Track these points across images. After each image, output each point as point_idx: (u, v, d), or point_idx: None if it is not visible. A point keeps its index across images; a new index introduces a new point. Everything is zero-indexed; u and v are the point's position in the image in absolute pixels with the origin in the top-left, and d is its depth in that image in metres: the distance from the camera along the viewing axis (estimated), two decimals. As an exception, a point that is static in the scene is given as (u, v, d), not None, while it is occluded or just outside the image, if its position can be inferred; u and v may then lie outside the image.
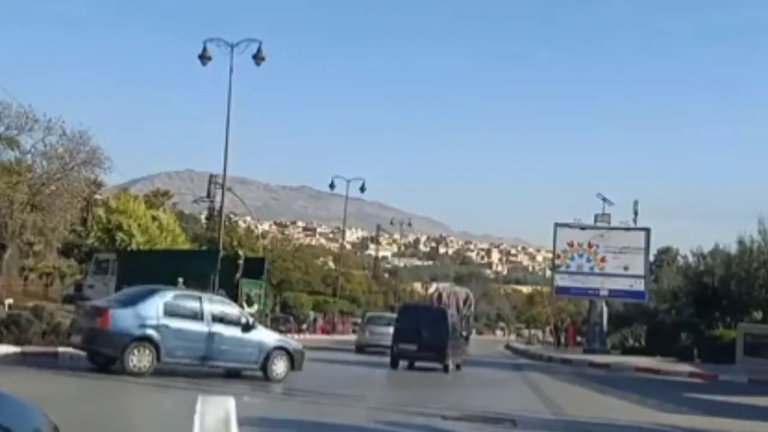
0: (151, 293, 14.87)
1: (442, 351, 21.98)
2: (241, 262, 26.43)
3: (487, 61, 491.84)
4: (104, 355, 14.09)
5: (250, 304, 25.12)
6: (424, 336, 21.84)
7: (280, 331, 45.26)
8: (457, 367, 23.12)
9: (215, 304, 15.62)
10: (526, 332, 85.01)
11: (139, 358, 13.73)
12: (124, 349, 13.58)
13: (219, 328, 14.90)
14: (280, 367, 15.55)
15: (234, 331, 15.17)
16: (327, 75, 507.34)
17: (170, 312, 14.41)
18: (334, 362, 23.51)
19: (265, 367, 15.36)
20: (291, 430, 9.54)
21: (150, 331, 13.92)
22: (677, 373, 25.64)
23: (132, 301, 14.56)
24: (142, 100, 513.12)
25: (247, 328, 15.45)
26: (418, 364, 22.49)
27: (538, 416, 12.19)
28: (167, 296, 14.87)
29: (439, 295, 46.37)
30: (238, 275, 25.84)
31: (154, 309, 14.26)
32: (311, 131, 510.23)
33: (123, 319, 13.85)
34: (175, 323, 14.31)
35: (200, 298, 15.38)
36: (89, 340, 13.98)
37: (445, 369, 22.00)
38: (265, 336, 16.00)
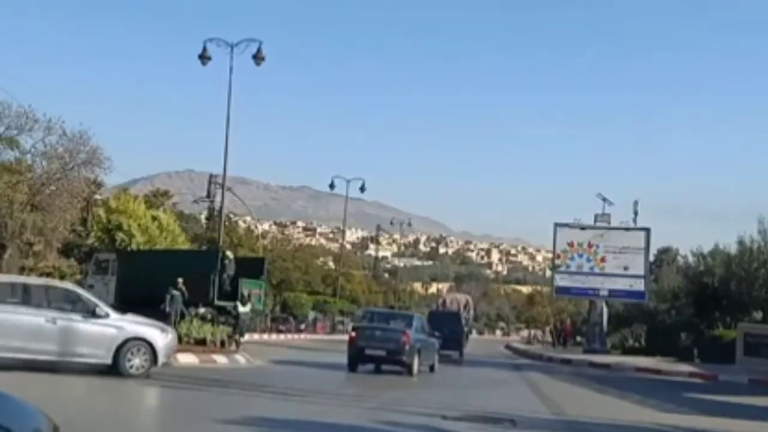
0: (412, 316, 22.99)
1: (458, 343, 31.49)
2: (227, 262, 26.34)
3: (487, 60, 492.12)
4: (403, 363, 19.34)
5: (243, 303, 25.13)
6: (445, 333, 28.16)
7: (279, 331, 45.60)
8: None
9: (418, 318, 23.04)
10: (525, 332, 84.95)
11: (416, 364, 19.64)
12: (413, 357, 19.38)
13: (425, 337, 21.35)
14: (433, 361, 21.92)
15: (429, 338, 21.85)
16: (327, 75, 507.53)
17: (416, 328, 20.67)
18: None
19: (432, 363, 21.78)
20: (291, 430, 9.53)
21: (419, 344, 20.03)
22: (677, 373, 25.64)
23: (408, 323, 20.84)
24: (142, 100, 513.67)
25: (432, 334, 22.61)
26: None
27: (538, 416, 12.18)
28: (417, 317, 23.02)
29: (443, 301, 54.45)
30: (225, 275, 25.83)
31: (417, 327, 20.67)
32: (311, 131, 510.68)
33: (413, 336, 19.65)
34: (421, 336, 20.73)
35: (413, 316, 22.85)
36: (397, 352, 19.23)
37: (461, 354, 31.47)
38: (431, 338, 22.32)
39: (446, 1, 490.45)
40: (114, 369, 13.19)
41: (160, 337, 13.92)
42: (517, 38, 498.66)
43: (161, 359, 13.72)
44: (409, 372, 19.24)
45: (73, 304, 13.42)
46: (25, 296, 13.00)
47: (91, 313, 13.28)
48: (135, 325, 13.83)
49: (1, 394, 2.86)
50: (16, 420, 2.70)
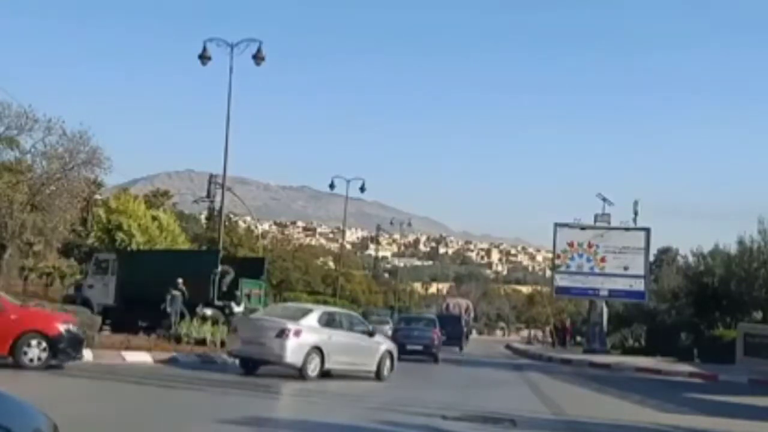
0: (434, 319, 31.10)
1: (459, 339, 39.87)
2: (223, 271, 26.29)
3: (488, 60, 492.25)
4: (433, 354, 26.31)
5: (238, 303, 25.12)
6: (449, 331, 34.53)
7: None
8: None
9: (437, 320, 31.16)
10: (525, 332, 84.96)
11: (440, 355, 27.00)
12: (439, 350, 27.15)
13: (440, 334, 28.90)
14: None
15: (441, 336, 28.97)
16: (327, 75, 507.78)
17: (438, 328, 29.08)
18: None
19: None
20: (291, 430, 9.53)
21: (441, 341, 28.55)
22: (677, 373, 25.63)
23: (434, 324, 28.64)
24: (142, 100, 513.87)
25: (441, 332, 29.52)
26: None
27: (538, 416, 12.18)
28: (437, 320, 31.16)
29: (447, 305, 63.08)
30: (225, 279, 25.82)
31: (438, 327, 28.81)
32: (311, 131, 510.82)
33: (438, 335, 27.93)
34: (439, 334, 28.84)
35: (435, 319, 31.23)
36: (430, 346, 26.46)
37: (460, 348, 38.87)
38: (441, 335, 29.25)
39: (446, 1, 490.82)
40: (377, 374, 17.36)
41: (394, 349, 18.59)
42: (517, 38, 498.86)
43: (395, 366, 18.22)
44: (435, 361, 25.61)
45: (360, 327, 17.90)
46: (342, 322, 17.19)
47: (369, 333, 17.71)
48: (386, 341, 18.78)
49: (1, 394, 2.85)
50: (16, 420, 2.70)
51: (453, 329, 38.07)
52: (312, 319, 16.19)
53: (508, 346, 53.88)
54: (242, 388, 13.19)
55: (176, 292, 23.67)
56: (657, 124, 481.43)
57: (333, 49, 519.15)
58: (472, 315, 65.43)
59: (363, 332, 17.54)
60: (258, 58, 25.88)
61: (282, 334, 15.31)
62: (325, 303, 62.06)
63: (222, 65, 25.56)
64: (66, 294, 33.46)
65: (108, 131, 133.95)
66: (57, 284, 45.15)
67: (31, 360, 13.22)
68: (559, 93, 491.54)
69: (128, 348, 17.61)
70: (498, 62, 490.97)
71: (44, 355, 13.32)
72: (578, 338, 50.25)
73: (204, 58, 25.89)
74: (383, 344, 18.04)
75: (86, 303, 25.25)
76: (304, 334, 15.56)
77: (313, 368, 15.53)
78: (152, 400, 11.73)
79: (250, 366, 16.04)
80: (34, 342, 13.26)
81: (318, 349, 15.66)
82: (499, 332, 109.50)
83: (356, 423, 10.02)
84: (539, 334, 71.26)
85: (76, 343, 13.91)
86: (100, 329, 20.60)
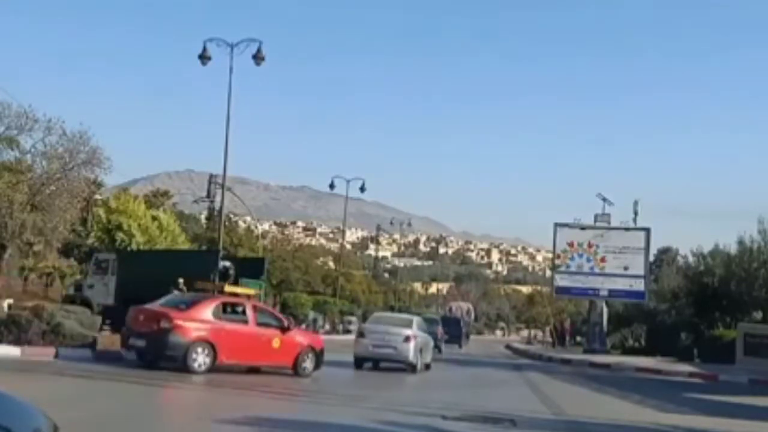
0: (437, 319, 38.56)
1: (459, 338, 45.50)
2: (227, 267, 26.26)
3: (487, 60, 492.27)
4: (438, 347, 29.15)
5: None
6: (450, 331, 40.51)
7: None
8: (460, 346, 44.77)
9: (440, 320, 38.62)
10: (525, 332, 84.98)
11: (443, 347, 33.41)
12: (442, 344, 32.79)
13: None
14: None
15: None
16: (327, 75, 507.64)
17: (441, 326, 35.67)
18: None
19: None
20: (291, 430, 9.53)
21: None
22: (677, 373, 25.63)
23: (437, 323, 34.52)
24: (142, 99, 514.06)
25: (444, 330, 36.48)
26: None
27: (538, 416, 12.17)
28: (439, 319, 38.98)
29: (450, 308, 71.56)
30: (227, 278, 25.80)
31: (441, 325, 35.00)
32: (311, 131, 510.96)
33: (441, 331, 34.19)
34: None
35: (438, 319, 37.52)
36: (435, 340, 27.68)
37: (460, 346, 43.93)
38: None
39: (446, 1, 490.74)
40: (426, 366, 21.40)
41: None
42: (517, 38, 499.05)
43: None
44: (439, 351, 29.37)
45: (426, 328, 22.29)
46: (421, 327, 21.48)
47: (429, 333, 22.54)
48: (431, 339, 22.82)
49: (1, 394, 2.85)
50: (16, 420, 2.69)
51: (454, 330, 43.98)
52: (415, 326, 20.66)
53: (508, 346, 53.92)
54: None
55: (177, 293, 23.65)
56: (657, 125, 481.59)
57: (333, 49, 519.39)
58: (472, 316, 71.21)
59: (427, 332, 21.95)
60: (258, 58, 25.84)
61: (407, 339, 19.86)
62: (325, 303, 62.35)
63: (222, 65, 25.55)
64: (66, 294, 33.44)
65: (108, 131, 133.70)
66: (57, 284, 45.16)
67: (305, 369, 16.76)
68: (559, 93, 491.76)
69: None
70: (498, 62, 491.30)
71: (312, 366, 16.92)
72: (578, 338, 50.25)
73: (204, 58, 25.86)
74: (431, 341, 22.61)
75: (86, 303, 25.22)
76: (417, 339, 20.17)
77: (420, 364, 20.28)
78: (153, 399, 11.70)
79: (359, 363, 20.22)
80: (309, 356, 16.94)
81: (421, 350, 20.43)
82: (499, 332, 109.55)
83: (356, 423, 10.01)
84: (539, 334, 71.26)
85: (323, 356, 17.51)
86: (101, 329, 20.61)
